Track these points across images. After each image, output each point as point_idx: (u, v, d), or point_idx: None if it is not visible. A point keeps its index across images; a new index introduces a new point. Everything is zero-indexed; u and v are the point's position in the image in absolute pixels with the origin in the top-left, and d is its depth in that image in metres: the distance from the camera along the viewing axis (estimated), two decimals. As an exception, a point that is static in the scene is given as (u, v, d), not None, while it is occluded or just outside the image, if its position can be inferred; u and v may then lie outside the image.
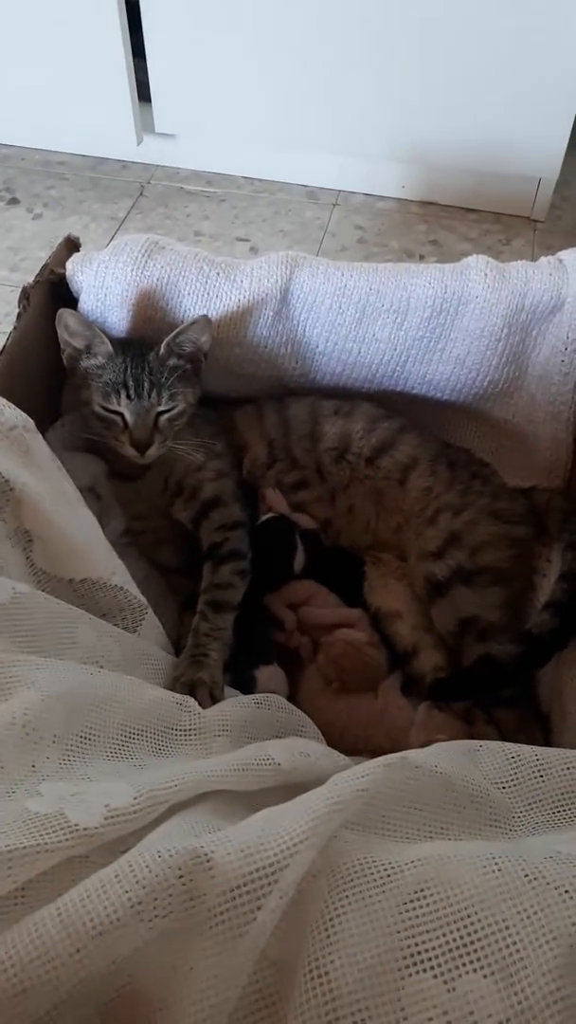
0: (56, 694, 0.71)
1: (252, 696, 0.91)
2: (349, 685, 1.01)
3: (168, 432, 1.05)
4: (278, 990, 0.54)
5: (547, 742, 0.98)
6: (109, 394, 1.03)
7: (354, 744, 0.98)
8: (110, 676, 0.78)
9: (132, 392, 1.02)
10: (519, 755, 0.74)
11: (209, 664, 0.94)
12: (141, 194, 2.08)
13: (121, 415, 1.03)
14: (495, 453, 1.23)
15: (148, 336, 1.09)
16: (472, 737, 0.97)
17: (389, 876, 0.56)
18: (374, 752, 0.97)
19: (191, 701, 0.83)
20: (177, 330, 1.05)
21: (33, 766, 0.65)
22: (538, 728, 0.99)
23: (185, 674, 0.92)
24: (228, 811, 0.68)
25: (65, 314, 1.04)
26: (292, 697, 1.02)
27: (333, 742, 0.93)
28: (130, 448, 1.04)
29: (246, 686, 1.00)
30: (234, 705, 0.87)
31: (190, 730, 0.81)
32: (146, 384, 1.03)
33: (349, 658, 1.02)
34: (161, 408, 1.04)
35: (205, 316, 1.05)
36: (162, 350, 1.05)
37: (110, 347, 1.04)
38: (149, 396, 1.03)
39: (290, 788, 0.73)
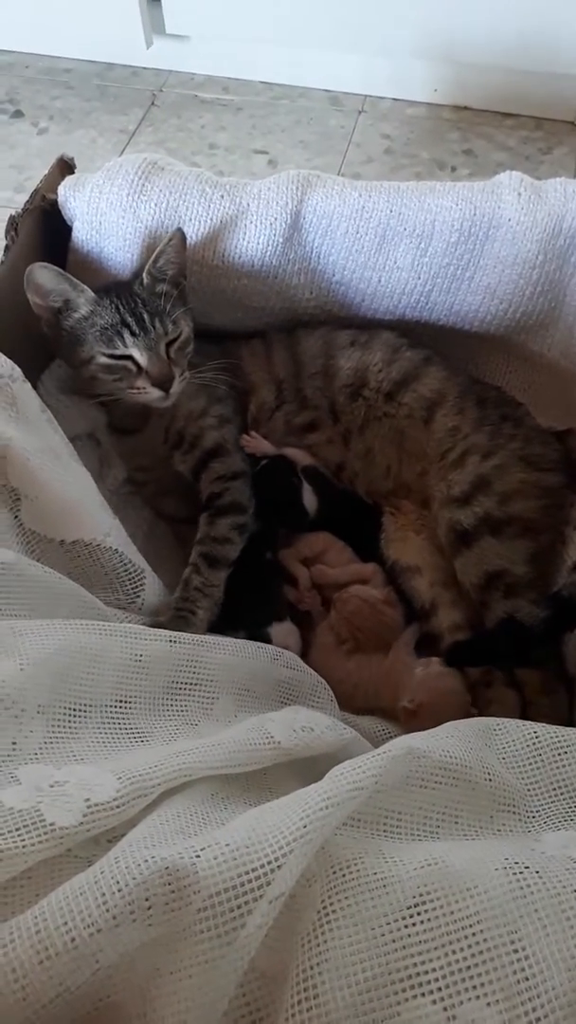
0: (40, 660, 0.66)
1: (268, 648, 0.87)
2: (363, 644, 0.96)
3: (182, 362, 0.98)
4: (266, 1004, 0.50)
5: (571, 706, 0.92)
6: (112, 338, 0.94)
7: (365, 702, 0.95)
8: (100, 631, 0.72)
9: (135, 327, 0.94)
10: (539, 736, 0.68)
11: (194, 623, 0.89)
12: (153, 103, 1.93)
13: (130, 357, 0.95)
14: (528, 391, 1.14)
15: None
16: (487, 700, 0.92)
17: (388, 884, 0.52)
18: (385, 710, 0.95)
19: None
20: (155, 253, 0.96)
21: (14, 743, 0.61)
22: (563, 691, 0.93)
23: (167, 628, 0.85)
24: (223, 794, 0.64)
25: (34, 270, 0.92)
26: (304, 654, 0.98)
27: (344, 700, 0.91)
28: (154, 389, 0.95)
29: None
30: (242, 657, 0.82)
31: (192, 684, 0.76)
32: (146, 316, 0.94)
33: (363, 616, 0.96)
34: (169, 337, 0.96)
35: (179, 230, 0.97)
36: (145, 279, 0.97)
37: (91, 292, 0.94)
38: (154, 327, 0.95)
39: (293, 764, 0.69)
